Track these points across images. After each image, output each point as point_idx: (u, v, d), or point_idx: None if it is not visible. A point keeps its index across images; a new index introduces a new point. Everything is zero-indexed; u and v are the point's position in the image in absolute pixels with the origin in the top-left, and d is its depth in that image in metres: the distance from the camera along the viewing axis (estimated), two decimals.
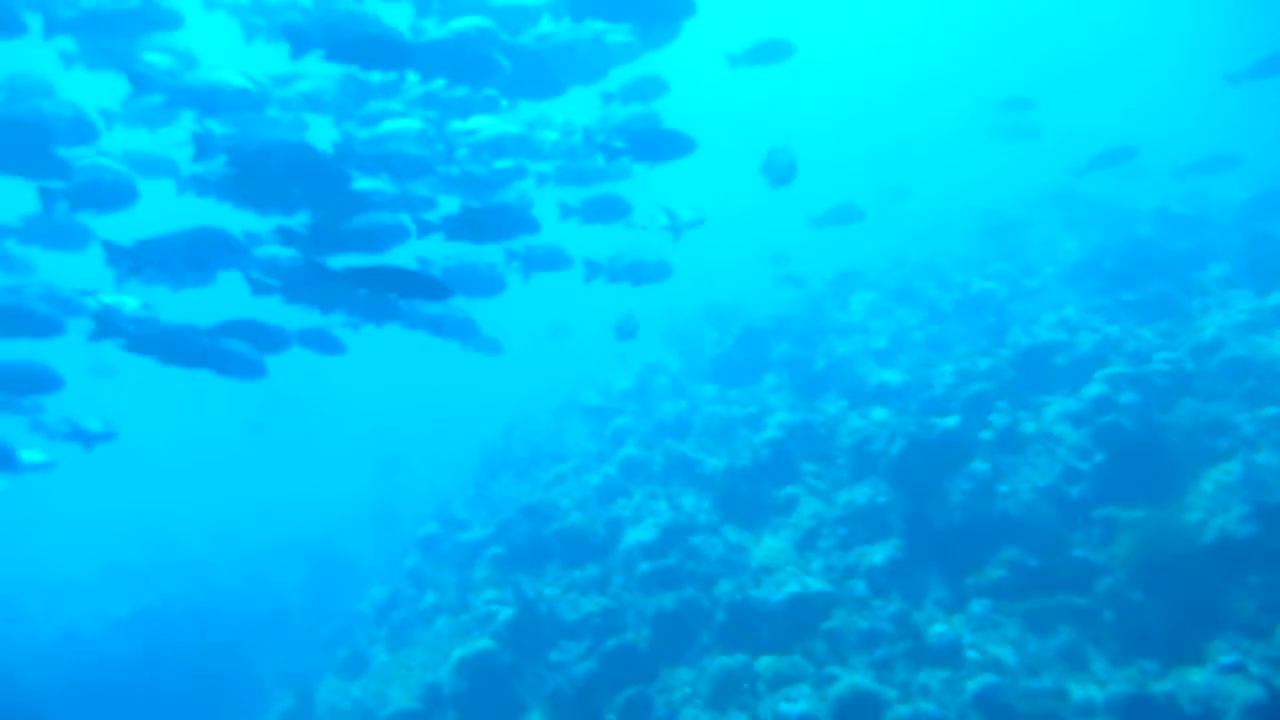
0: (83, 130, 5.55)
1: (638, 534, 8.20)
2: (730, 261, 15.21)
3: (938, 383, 8.13)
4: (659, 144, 6.09)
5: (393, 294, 5.14)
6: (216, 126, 5.67)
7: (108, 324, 5.45)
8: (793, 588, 6.80)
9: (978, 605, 6.18)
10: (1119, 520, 6.07)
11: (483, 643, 7.76)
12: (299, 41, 5.33)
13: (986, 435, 7.19)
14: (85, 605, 14.71)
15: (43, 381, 5.78)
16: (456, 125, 5.99)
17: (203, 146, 5.39)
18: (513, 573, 8.79)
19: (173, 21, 5.98)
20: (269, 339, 5.76)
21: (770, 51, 7.63)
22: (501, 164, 6.19)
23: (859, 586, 6.79)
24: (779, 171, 7.29)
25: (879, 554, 6.92)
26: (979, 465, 6.91)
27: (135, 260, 5.28)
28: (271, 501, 18.03)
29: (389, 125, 5.75)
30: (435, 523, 10.60)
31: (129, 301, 5.73)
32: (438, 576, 9.72)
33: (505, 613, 8.02)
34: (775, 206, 7.73)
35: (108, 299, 5.73)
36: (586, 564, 8.46)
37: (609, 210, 6.87)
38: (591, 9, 5.86)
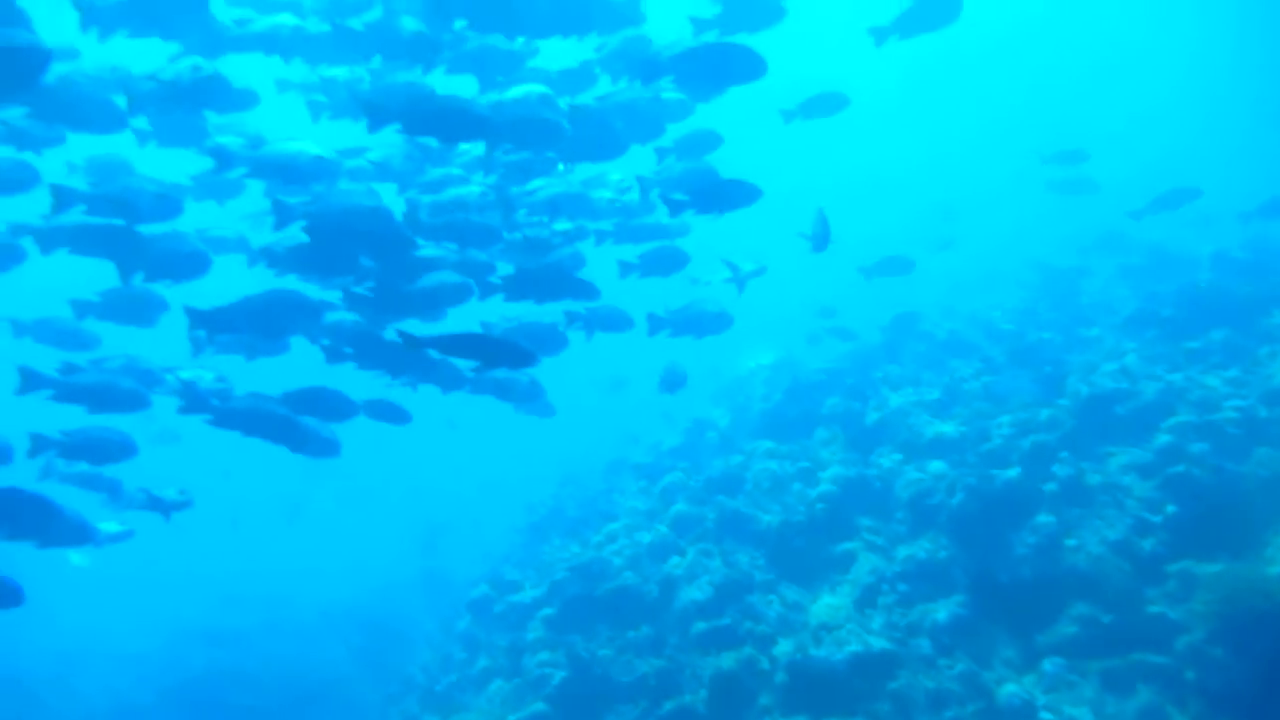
0: (167, 207, 5.66)
1: (692, 593, 8.06)
2: (775, 315, 15.16)
3: (995, 434, 7.95)
4: (726, 194, 6.04)
5: (481, 362, 5.12)
6: (289, 197, 5.79)
7: (194, 399, 5.54)
8: (855, 647, 6.60)
9: (1050, 664, 5.95)
10: (1196, 575, 5.84)
11: (536, 706, 7.64)
12: (377, 115, 5.41)
13: (1050, 487, 6.99)
14: (137, 673, 14.76)
15: (120, 449, 5.86)
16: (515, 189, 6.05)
17: (282, 215, 5.50)
18: (565, 634, 8.66)
19: (248, 101, 6.12)
20: (337, 409, 5.82)
21: (824, 105, 7.62)
22: (561, 225, 6.21)
23: (924, 645, 6.58)
24: (821, 236, 7.31)
25: (943, 611, 6.71)
26: (1044, 518, 6.71)
27: (214, 326, 5.35)
28: (320, 568, 18.03)
29: (453, 192, 5.82)
30: (486, 585, 10.52)
31: (205, 375, 5.82)
32: (490, 639, 9.61)
33: (559, 675, 7.89)
34: (818, 260, 7.64)
35: (187, 374, 5.81)
36: (640, 624, 8.31)
37: (668, 264, 6.87)
38: (672, 72, 5.84)
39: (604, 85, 6.47)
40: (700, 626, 7.64)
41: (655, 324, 7.26)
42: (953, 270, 14.39)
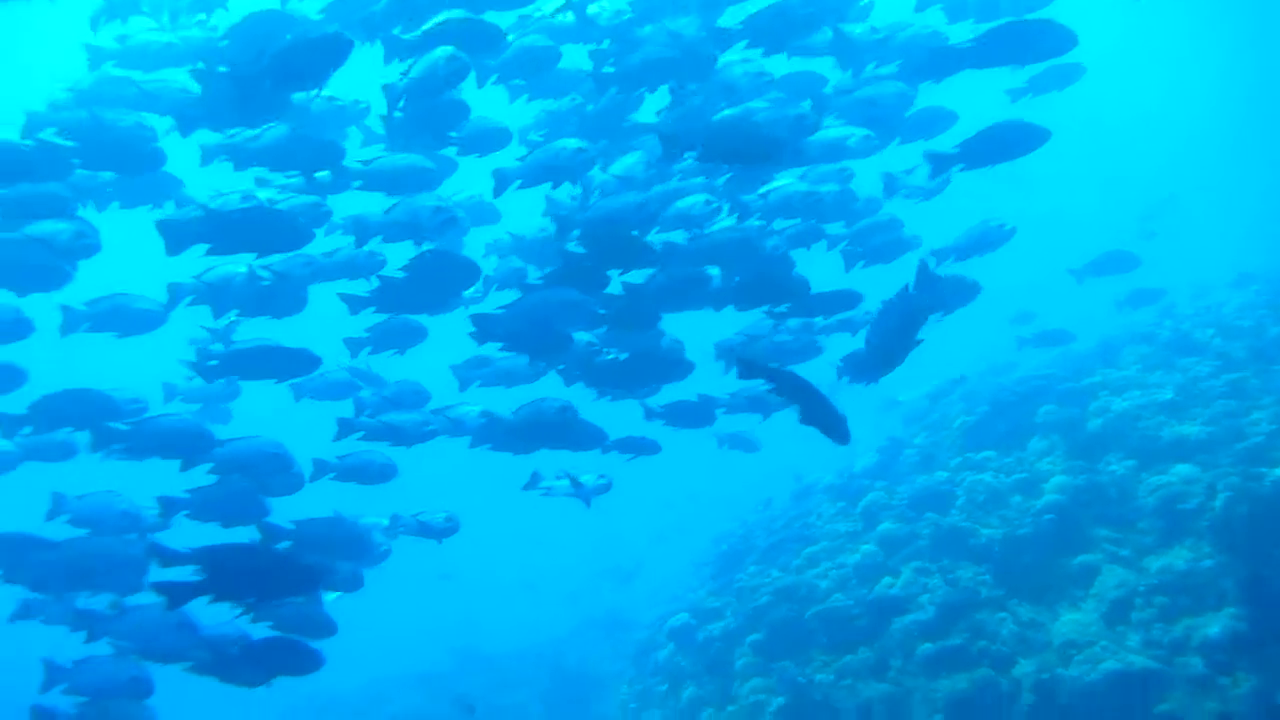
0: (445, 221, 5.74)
1: (913, 613, 7.57)
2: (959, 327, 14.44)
3: (1252, 432, 7.16)
4: (1004, 140, 5.55)
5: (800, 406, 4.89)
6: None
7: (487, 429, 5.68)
8: (1112, 665, 5.99)
9: None
10: None
11: None
12: (674, 145, 5.33)
13: None
14: (335, 716, 15.19)
15: (382, 472, 6.08)
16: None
17: (563, 225, 5.54)
18: (777, 660, 8.30)
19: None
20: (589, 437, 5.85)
21: (1057, 77, 7.03)
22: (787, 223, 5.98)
23: (1195, 663, 5.89)
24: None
25: (1215, 625, 5.99)
26: None
27: (500, 336, 5.40)
28: (504, 614, 18.19)
29: (682, 203, 5.70)
30: (686, 613, 10.26)
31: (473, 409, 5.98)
32: (694, 668, 9.34)
33: (776, 702, 7.55)
34: (993, 260, 7.07)
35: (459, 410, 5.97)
36: (857, 647, 7.85)
37: (891, 249, 6.51)
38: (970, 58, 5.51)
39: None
40: (927, 648, 7.13)
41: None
42: (1158, 263, 13.30)
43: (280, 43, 4.82)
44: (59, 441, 5.92)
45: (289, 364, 5.65)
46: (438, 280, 5.51)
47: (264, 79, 4.81)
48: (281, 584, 4.20)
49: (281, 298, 5.49)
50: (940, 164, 5.69)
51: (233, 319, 5.95)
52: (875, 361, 4.87)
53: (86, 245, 5.28)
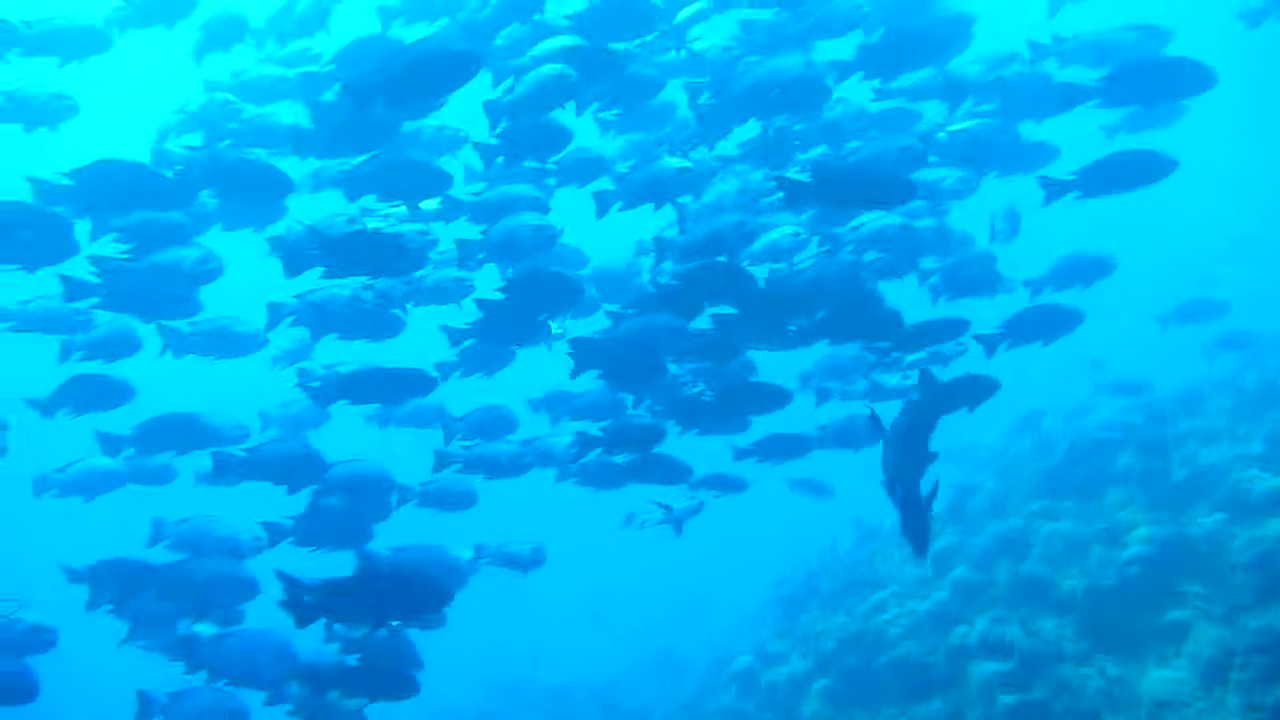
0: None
1: (992, 664, 7.35)
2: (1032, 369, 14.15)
3: None
4: (1127, 169, 5.39)
5: None
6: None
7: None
8: None
9: None
10: None
11: None
12: (798, 197, 5.29)
13: None
14: None
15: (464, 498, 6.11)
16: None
17: (662, 247, 5.53)
18: (846, 708, 8.13)
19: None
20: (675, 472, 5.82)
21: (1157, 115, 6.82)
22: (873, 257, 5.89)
23: None
24: (1008, 230, 6.61)
25: None
26: None
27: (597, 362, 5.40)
28: (567, 646, 17.99)
29: (768, 237, 5.64)
30: (750, 656, 10.09)
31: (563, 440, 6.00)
32: (758, 714, 9.16)
33: None
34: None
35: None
36: (930, 697, 7.64)
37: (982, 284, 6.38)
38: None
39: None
40: (1007, 700, 6.92)
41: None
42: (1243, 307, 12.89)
43: (405, 53, 4.81)
44: (159, 465, 5.98)
45: (404, 386, 5.64)
46: (540, 300, 5.42)
47: (384, 91, 4.79)
48: (407, 605, 4.16)
49: (381, 321, 5.52)
50: (1055, 191, 5.56)
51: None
52: (909, 534, 4.77)
53: (210, 270, 5.34)
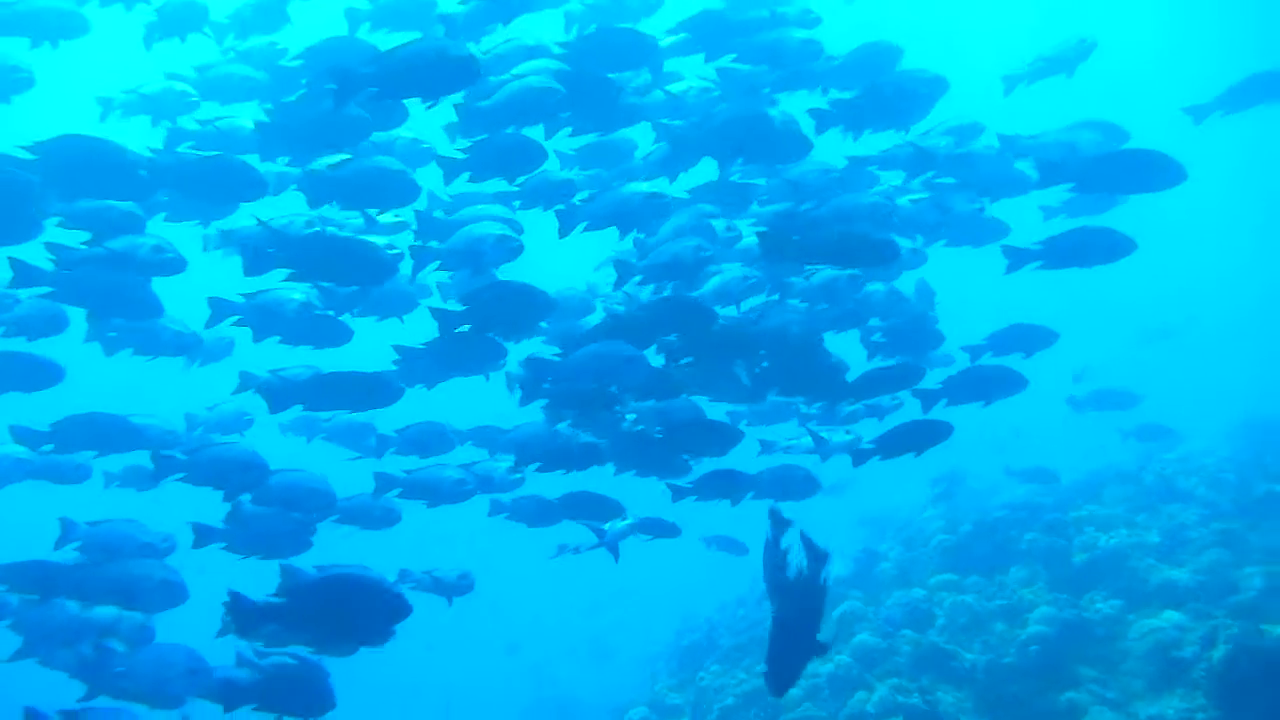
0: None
1: None
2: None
3: (1245, 586, 7.18)
4: (1130, 167, 5.32)
5: None
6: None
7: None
8: None
9: None
10: None
11: None
12: (777, 248, 5.27)
13: None
14: None
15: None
16: None
17: (624, 271, 5.44)
18: None
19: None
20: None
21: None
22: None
23: None
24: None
25: None
26: None
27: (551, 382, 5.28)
28: (464, 680, 17.48)
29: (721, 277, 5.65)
30: (645, 708, 9.97)
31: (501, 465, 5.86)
32: None
33: None
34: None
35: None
36: None
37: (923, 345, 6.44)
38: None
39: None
40: None
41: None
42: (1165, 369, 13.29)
43: (403, 48, 4.66)
44: (74, 464, 5.61)
45: (369, 393, 5.37)
46: (505, 315, 5.23)
47: (376, 84, 4.62)
48: (365, 616, 3.91)
49: (329, 329, 5.32)
50: (1018, 261, 5.69)
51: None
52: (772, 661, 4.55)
53: (167, 261, 5.02)
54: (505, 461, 5.92)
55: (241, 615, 3.92)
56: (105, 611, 4.57)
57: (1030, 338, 6.28)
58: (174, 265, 5.02)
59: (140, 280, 4.96)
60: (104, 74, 6.31)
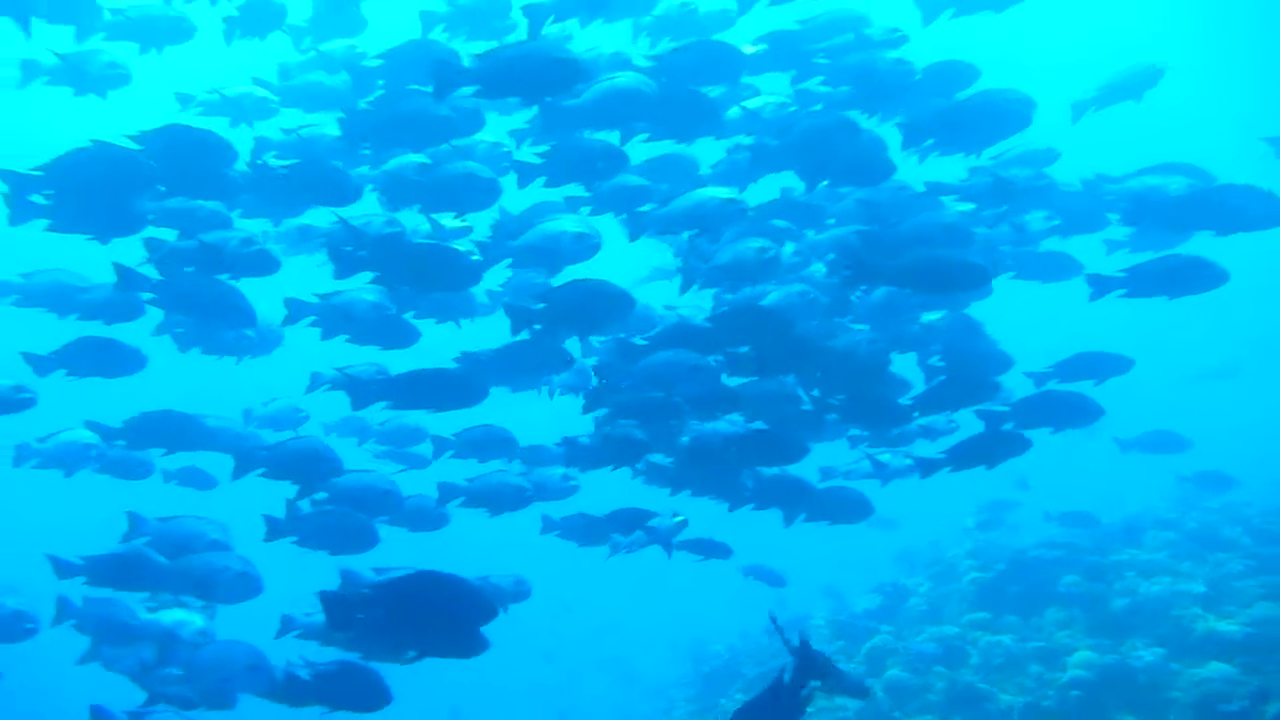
0: None
1: None
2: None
3: None
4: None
5: None
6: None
7: None
8: None
9: None
10: None
11: None
12: (862, 271, 5.22)
13: None
14: None
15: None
16: None
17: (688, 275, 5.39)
18: None
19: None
20: None
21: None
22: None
23: None
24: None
25: None
26: None
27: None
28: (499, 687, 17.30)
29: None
30: None
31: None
32: None
33: None
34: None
35: None
36: None
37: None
38: None
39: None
40: None
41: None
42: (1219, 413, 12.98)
43: (509, 47, 4.65)
44: (138, 460, 5.62)
45: (456, 392, 5.30)
46: (587, 313, 5.15)
47: (478, 81, 4.59)
48: (457, 617, 3.84)
49: (398, 329, 5.29)
50: (1102, 288, 5.54)
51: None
52: None
53: (254, 254, 5.04)
54: (558, 469, 5.85)
55: (336, 609, 3.82)
56: (168, 615, 4.53)
57: (1102, 364, 6.07)
58: (265, 261, 5.02)
59: (237, 290, 4.99)
60: (180, 70, 6.32)
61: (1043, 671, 8.19)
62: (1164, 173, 5.58)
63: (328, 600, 3.83)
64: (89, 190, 4.56)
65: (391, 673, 4.11)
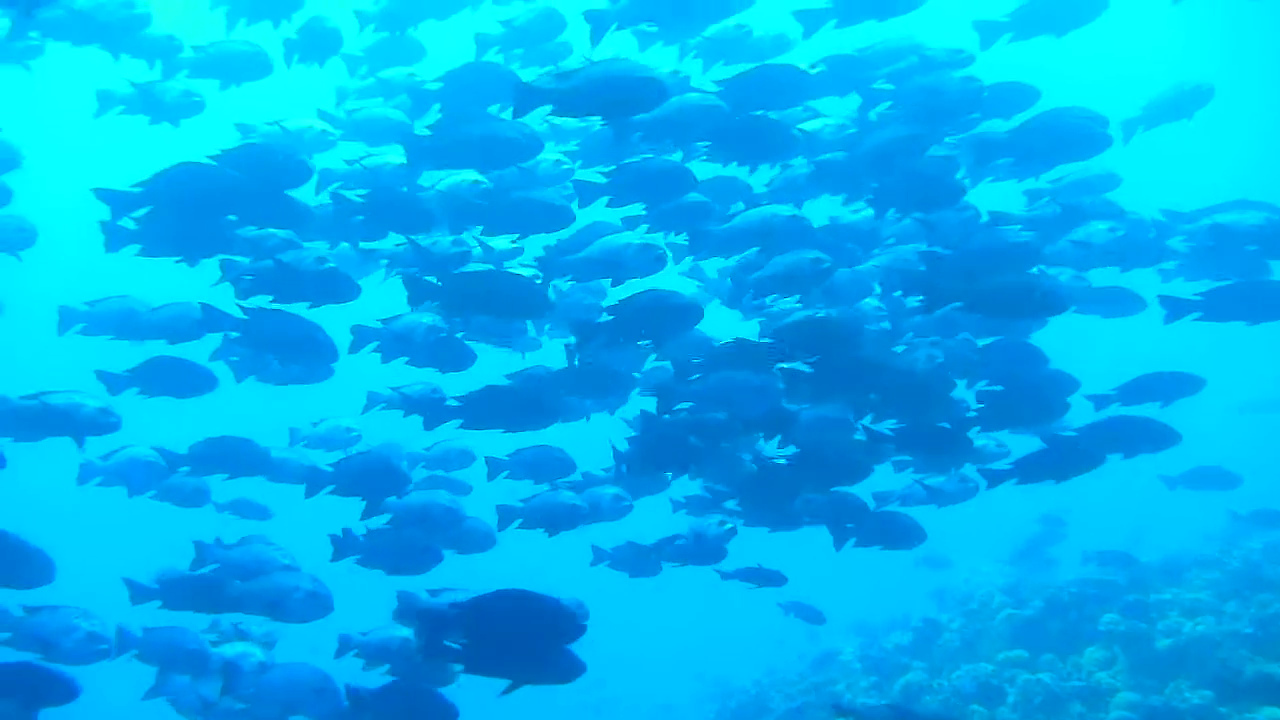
0: None
1: None
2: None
3: None
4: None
5: None
6: None
7: None
8: None
9: None
10: None
11: None
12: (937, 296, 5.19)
13: None
14: None
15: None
16: None
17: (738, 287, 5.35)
18: None
19: None
20: None
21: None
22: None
23: None
24: None
25: None
26: None
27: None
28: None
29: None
30: None
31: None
32: None
33: None
34: None
35: None
36: None
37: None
38: None
39: None
40: None
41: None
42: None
43: (594, 67, 4.65)
44: (195, 487, 5.62)
45: (529, 413, 5.30)
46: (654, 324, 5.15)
47: (557, 101, 4.59)
48: (546, 636, 3.76)
49: (455, 352, 5.27)
50: (1177, 311, 5.46)
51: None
52: None
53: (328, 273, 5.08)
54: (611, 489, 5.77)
55: (429, 625, 3.74)
56: (229, 648, 4.50)
57: (1172, 385, 5.93)
58: (346, 288, 5.02)
59: (320, 328, 5.00)
60: (235, 97, 6.37)
61: (1085, 712, 8.04)
62: (1238, 209, 5.49)
63: (421, 624, 3.75)
64: (186, 209, 4.59)
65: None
